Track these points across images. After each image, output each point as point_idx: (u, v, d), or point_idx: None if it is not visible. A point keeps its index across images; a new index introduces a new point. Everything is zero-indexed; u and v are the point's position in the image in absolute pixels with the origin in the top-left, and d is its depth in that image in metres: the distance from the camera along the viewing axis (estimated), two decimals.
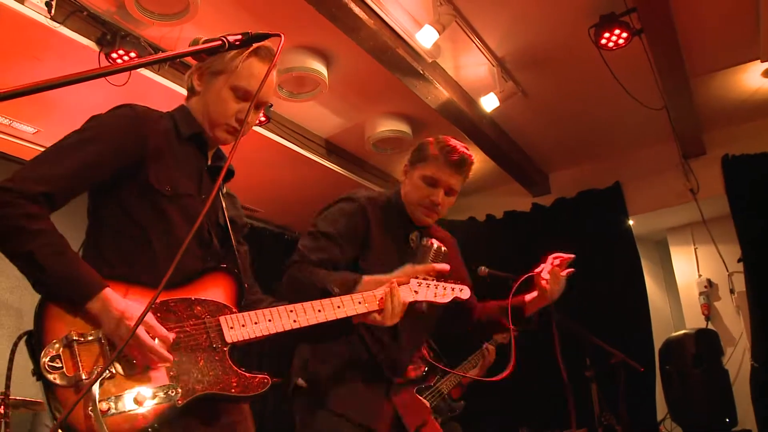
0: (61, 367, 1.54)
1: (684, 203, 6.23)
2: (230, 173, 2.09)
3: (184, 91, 4.58)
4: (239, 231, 2.12)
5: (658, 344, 5.88)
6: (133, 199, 1.78)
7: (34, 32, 3.76)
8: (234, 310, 1.81)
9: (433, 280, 2.20)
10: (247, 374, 1.74)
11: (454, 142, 2.53)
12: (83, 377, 1.54)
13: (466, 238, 6.59)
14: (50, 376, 1.53)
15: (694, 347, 5.59)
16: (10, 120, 4.75)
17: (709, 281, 6.80)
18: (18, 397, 3.92)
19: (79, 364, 1.55)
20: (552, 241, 6.60)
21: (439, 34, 4.11)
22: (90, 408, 1.51)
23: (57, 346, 1.55)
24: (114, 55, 3.96)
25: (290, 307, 1.89)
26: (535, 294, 2.65)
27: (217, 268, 1.85)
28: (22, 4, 3.56)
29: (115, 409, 1.55)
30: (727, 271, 6.49)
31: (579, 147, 6.39)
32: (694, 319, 6.77)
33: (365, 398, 2.42)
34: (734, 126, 6.02)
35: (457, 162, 2.48)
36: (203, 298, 1.77)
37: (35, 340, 1.57)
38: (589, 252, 6.19)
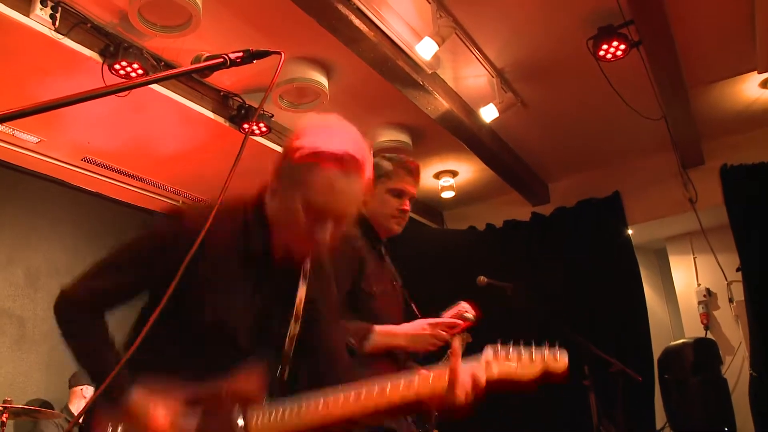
0: None
1: (683, 213, 6.25)
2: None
3: (185, 102, 4.65)
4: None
5: (657, 353, 5.89)
6: (175, 319, 1.69)
7: (38, 44, 3.81)
8: (263, 401, 1.70)
9: (514, 346, 1.78)
10: None
11: (401, 154, 2.74)
12: None
13: (465, 247, 6.68)
14: None
15: (692, 356, 5.60)
16: (12, 129, 4.79)
17: (708, 290, 6.82)
18: (19, 405, 3.95)
19: None
20: (551, 251, 6.70)
21: (439, 46, 4.15)
22: None
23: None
24: (117, 66, 4.01)
25: (323, 399, 1.67)
26: None
27: (251, 359, 1.74)
28: (27, 16, 3.61)
29: None
30: (726, 280, 6.51)
31: (578, 157, 6.43)
32: (693, 328, 6.79)
33: None
34: (732, 136, 6.05)
35: (415, 170, 2.71)
36: (235, 389, 1.70)
37: None
38: (588, 261, 6.24)
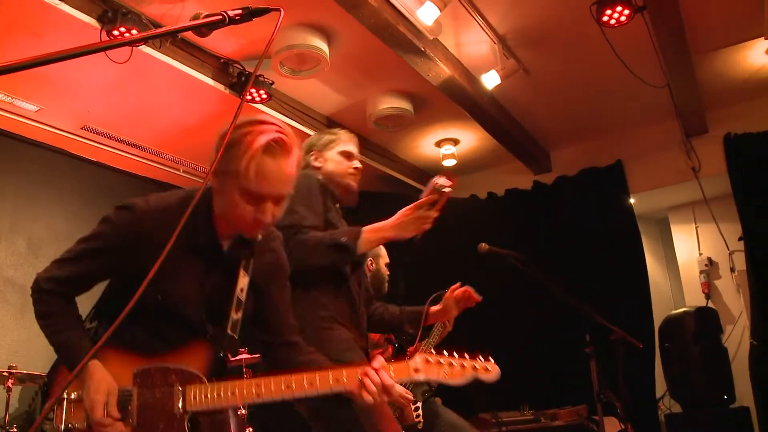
0: (52, 419, 1.90)
1: (685, 181, 6.23)
2: (249, 249, 2.04)
3: (185, 69, 4.60)
4: (268, 283, 2.13)
5: (658, 322, 5.92)
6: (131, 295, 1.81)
7: (34, 9, 3.75)
8: (203, 380, 1.90)
9: (445, 355, 1.92)
10: None
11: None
12: (62, 428, 1.90)
13: (467, 216, 6.69)
14: (43, 426, 1.91)
15: (693, 325, 5.62)
16: (11, 98, 4.75)
17: (709, 260, 6.83)
18: (24, 371, 3.98)
19: (63, 417, 1.90)
20: (553, 219, 6.69)
21: (441, 11, 4.10)
22: None
23: (54, 402, 1.92)
24: (115, 33, 3.95)
25: (258, 380, 1.88)
26: (439, 307, 3.10)
27: (200, 339, 1.96)
28: None
29: None
30: (728, 249, 6.51)
31: (580, 125, 6.39)
32: (694, 298, 6.81)
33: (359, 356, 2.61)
34: (737, 104, 6.01)
35: (355, 136, 3.02)
36: (181, 367, 1.91)
37: (42, 393, 2.00)
38: (590, 230, 6.24)
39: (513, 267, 3.69)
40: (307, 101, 5.56)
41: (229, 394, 1.87)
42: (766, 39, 4.85)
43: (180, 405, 1.86)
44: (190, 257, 1.94)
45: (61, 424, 1.89)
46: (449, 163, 6.61)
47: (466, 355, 1.89)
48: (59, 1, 3.74)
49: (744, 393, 5.59)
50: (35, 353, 5.11)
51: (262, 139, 1.81)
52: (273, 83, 4.89)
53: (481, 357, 1.91)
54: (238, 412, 4.39)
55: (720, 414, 5.38)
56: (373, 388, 1.83)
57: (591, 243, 6.20)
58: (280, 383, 1.87)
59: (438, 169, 6.94)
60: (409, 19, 4.19)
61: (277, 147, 1.82)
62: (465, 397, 4.73)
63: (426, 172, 7.18)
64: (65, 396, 1.90)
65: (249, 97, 4.84)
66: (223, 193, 1.88)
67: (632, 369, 4.57)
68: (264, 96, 4.85)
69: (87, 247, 1.95)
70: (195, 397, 1.88)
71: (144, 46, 4.23)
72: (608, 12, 4.20)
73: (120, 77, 4.57)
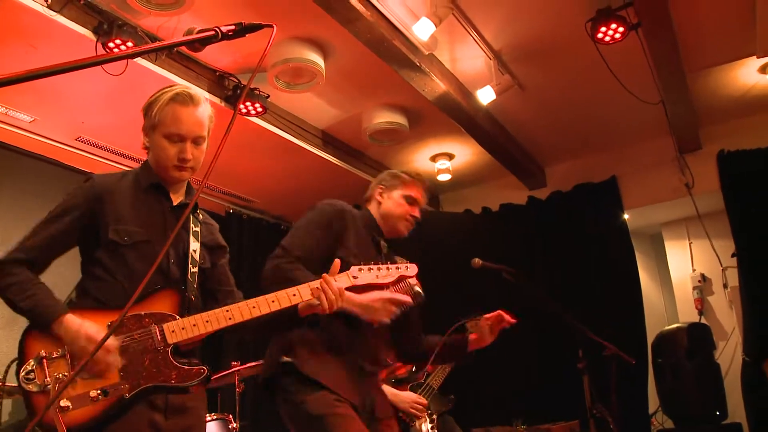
0: (34, 378, 2.00)
1: (679, 198, 6.25)
2: (195, 210, 2.43)
3: (180, 81, 4.59)
4: (215, 253, 2.46)
5: (651, 337, 5.92)
6: (102, 253, 2.19)
7: (30, 20, 3.75)
8: (176, 317, 2.14)
9: (376, 264, 2.39)
10: (186, 367, 2.11)
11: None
12: (49, 384, 1.98)
13: (461, 231, 6.69)
14: (26, 386, 2.00)
15: (686, 341, 5.63)
16: (6, 108, 4.75)
17: (702, 276, 6.84)
18: (13, 384, 3.94)
19: (46, 374, 2.00)
20: (547, 235, 6.70)
21: (436, 27, 4.11)
22: (53, 406, 1.91)
23: (32, 363, 2.02)
24: (111, 45, 3.95)
25: (227, 307, 2.16)
26: (475, 336, 3.19)
27: (166, 287, 2.20)
28: None
29: (74, 406, 1.97)
30: (721, 265, 6.53)
31: (575, 140, 6.41)
32: (687, 313, 6.82)
33: (347, 378, 2.66)
34: (730, 121, 6.04)
35: (428, 188, 3.12)
36: (152, 311, 2.13)
37: (18, 362, 2.06)
38: (584, 245, 6.25)
39: (506, 282, 3.69)
40: (302, 115, 5.57)
41: (205, 322, 2.12)
42: (758, 57, 4.89)
43: (160, 340, 2.08)
44: (146, 204, 2.29)
45: (45, 378, 1.99)
46: (444, 177, 6.62)
47: (389, 263, 2.37)
48: (55, 13, 3.75)
49: (736, 409, 5.59)
50: None
51: (169, 93, 2.27)
52: (268, 96, 4.90)
53: (402, 262, 2.38)
54: (230, 426, 4.36)
55: (712, 430, 5.37)
56: (331, 295, 2.20)
57: (585, 258, 6.21)
58: (247, 306, 2.14)
59: (433, 183, 6.97)
60: (404, 34, 4.21)
61: (182, 96, 2.26)
62: (456, 413, 4.72)
63: None
64: (45, 354, 2.02)
65: (244, 110, 4.85)
66: (153, 145, 2.30)
67: (625, 385, 4.56)
68: (259, 109, 4.86)
69: (53, 214, 2.24)
70: (173, 331, 2.10)
71: (139, 58, 4.24)
72: (603, 29, 4.23)
73: (115, 89, 4.58)
